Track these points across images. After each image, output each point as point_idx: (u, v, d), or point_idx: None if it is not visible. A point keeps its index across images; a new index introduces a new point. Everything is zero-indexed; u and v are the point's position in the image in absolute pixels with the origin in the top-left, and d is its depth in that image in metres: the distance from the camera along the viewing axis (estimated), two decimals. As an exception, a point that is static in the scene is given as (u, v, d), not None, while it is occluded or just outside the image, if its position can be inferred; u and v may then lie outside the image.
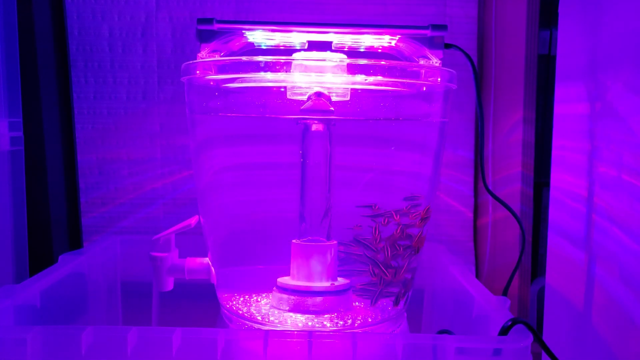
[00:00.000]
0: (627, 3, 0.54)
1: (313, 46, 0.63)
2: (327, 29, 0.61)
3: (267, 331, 0.47)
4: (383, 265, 0.58)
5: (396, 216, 0.58)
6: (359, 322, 0.58)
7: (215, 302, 0.65)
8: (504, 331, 0.47)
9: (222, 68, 0.56)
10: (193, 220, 0.68)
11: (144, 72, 0.87)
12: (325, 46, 0.63)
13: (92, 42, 0.86)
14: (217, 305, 0.65)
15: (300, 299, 0.58)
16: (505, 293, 0.65)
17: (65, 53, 0.87)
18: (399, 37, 0.63)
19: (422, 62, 0.62)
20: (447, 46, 0.62)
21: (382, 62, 0.54)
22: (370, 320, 0.59)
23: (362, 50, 0.67)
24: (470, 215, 0.90)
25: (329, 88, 0.59)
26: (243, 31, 0.62)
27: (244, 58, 0.54)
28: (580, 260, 0.62)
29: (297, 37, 0.63)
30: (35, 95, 0.81)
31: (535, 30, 0.79)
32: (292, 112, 0.59)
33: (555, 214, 0.69)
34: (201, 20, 0.61)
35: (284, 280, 0.60)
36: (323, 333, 0.47)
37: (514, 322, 0.47)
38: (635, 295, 0.52)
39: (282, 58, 0.54)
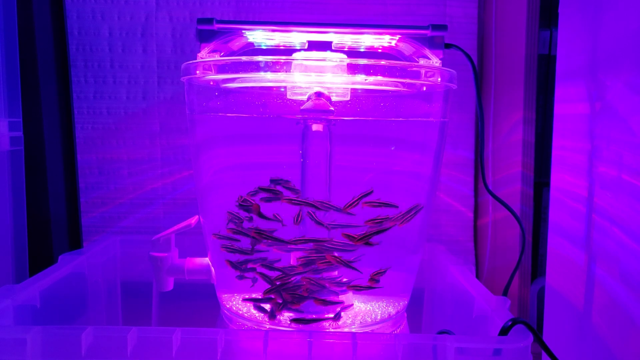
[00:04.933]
0: (627, 3, 0.54)
1: (313, 46, 0.63)
2: (327, 29, 0.61)
3: (267, 331, 0.47)
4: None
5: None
6: (359, 322, 0.58)
7: (215, 302, 0.65)
8: (504, 331, 0.47)
9: (222, 68, 0.56)
10: (193, 220, 0.68)
11: (144, 72, 0.87)
12: (325, 46, 0.63)
13: (92, 42, 0.86)
14: (217, 305, 0.65)
15: (300, 299, 0.58)
16: (505, 293, 0.65)
17: (65, 53, 0.87)
18: (399, 37, 0.63)
19: (422, 62, 0.62)
20: (447, 46, 0.62)
21: (382, 62, 0.54)
22: (370, 320, 0.59)
23: (362, 50, 0.67)
24: (470, 215, 0.90)
25: (329, 88, 0.59)
26: (243, 31, 0.62)
27: (244, 58, 0.54)
28: (580, 260, 0.62)
29: (297, 37, 0.63)
30: (35, 95, 0.81)
31: (535, 30, 0.79)
32: (292, 112, 0.59)
33: (555, 214, 0.69)
34: (201, 20, 0.61)
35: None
36: (323, 333, 0.47)
37: (514, 322, 0.47)
38: (635, 295, 0.52)
39: (282, 58, 0.54)
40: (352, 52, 0.64)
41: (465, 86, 0.83)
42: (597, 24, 0.60)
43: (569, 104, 0.67)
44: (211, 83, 0.61)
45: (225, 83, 0.61)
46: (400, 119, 0.62)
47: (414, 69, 0.58)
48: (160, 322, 0.72)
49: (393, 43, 0.64)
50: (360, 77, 0.54)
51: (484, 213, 0.89)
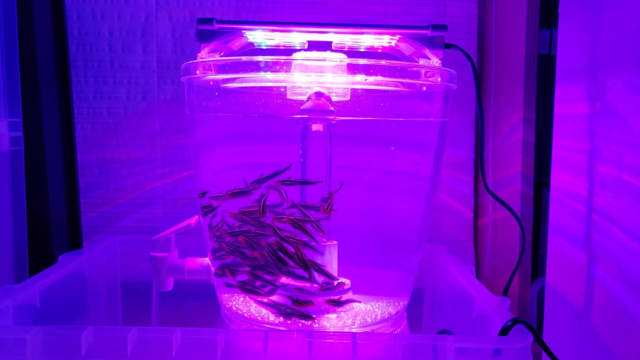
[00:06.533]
0: (627, 3, 0.54)
1: (313, 46, 0.63)
2: (327, 29, 0.61)
3: (267, 331, 0.47)
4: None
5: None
6: (359, 322, 0.58)
7: (215, 302, 0.65)
8: (504, 331, 0.47)
9: (222, 68, 0.56)
10: (193, 220, 0.68)
11: (144, 72, 0.87)
12: (325, 46, 0.63)
13: (92, 42, 0.86)
14: (217, 305, 0.65)
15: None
16: (505, 293, 0.65)
17: (65, 53, 0.87)
18: (399, 37, 0.63)
19: (422, 62, 0.62)
20: (447, 46, 0.62)
21: (382, 62, 0.54)
22: (370, 320, 0.59)
23: (362, 50, 0.67)
24: (470, 215, 0.90)
25: (329, 88, 0.59)
26: (243, 31, 0.62)
27: (244, 58, 0.54)
28: (580, 260, 0.62)
29: (297, 37, 0.63)
30: (35, 95, 0.81)
31: (535, 30, 0.79)
32: (292, 112, 0.59)
33: (555, 214, 0.69)
34: (201, 20, 0.61)
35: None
36: (323, 333, 0.47)
37: (514, 322, 0.47)
38: (635, 295, 0.52)
39: (282, 58, 0.54)
40: (352, 52, 0.64)
41: (465, 86, 0.83)
42: (597, 24, 0.60)
43: (569, 104, 0.67)
44: (211, 83, 0.61)
45: (225, 83, 0.61)
46: (400, 119, 0.62)
47: (414, 69, 0.58)
48: (160, 322, 0.72)
49: (393, 43, 0.64)
50: (360, 77, 0.54)
51: (484, 213, 0.89)
